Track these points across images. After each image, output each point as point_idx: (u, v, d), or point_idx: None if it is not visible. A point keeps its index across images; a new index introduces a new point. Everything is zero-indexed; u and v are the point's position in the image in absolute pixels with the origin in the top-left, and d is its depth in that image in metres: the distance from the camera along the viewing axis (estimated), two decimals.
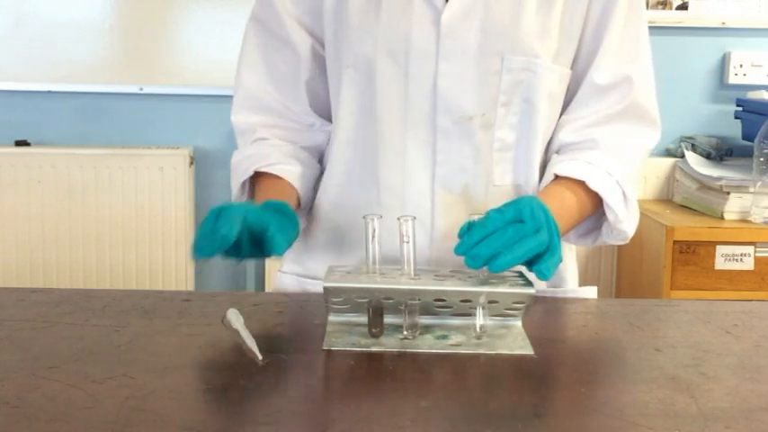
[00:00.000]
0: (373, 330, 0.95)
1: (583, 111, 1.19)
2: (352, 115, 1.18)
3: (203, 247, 0.95)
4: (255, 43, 1.26)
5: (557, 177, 1.15)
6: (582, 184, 1.13)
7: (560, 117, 1.21)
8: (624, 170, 1.16)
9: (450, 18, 1.12)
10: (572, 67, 1.19)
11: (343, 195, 1.21)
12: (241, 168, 1.22)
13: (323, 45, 1.22)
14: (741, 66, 2.71)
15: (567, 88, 1.21)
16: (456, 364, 0.89)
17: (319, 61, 1.23)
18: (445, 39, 1.13)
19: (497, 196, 1.17)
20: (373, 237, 1.00)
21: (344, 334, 0.96)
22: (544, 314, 1.09)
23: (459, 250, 0.95)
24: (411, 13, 1.13)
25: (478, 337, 0.96)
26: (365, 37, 1.15)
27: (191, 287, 2.75)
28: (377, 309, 0.95)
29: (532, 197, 1.02)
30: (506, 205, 0.98)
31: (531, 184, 1.19)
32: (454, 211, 1.15)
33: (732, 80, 2.72)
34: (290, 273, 1.27)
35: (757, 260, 2.29)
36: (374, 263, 1.00)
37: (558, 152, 1.20)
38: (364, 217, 1.01)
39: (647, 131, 1.21)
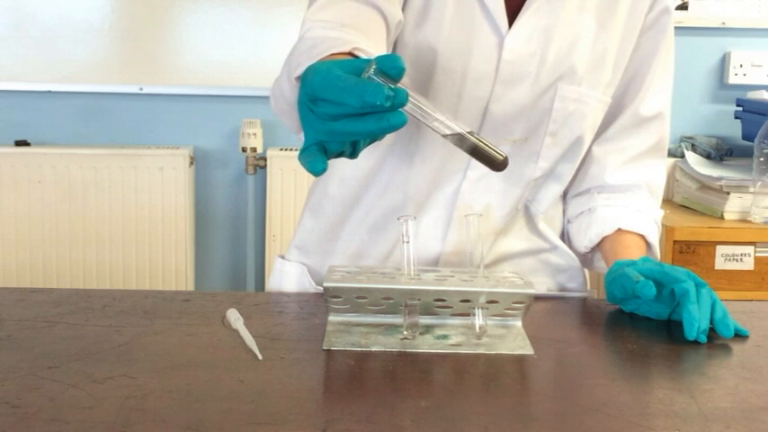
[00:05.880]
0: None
1: (623, 142, 1.23)
2: None
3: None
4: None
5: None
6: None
7: (593, 142, 1.23)
8: (659, 208, 1.25)
9: (514, 44, 1.10)
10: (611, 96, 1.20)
11: (367, 193, 1.19)
12: (316, 48, 0.90)
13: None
14: (741, 66, 2.71)
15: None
16: (456, 364, 0.89)
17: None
18: (506, 64, 1.10)
19: (511, 219, 1.18)
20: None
21: (344, 334, 0.96)
22: (544, 314, 1.09)
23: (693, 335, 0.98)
24: (473, 34, 1.10)
25: (478, 337, 0.96)
26: (424, 51, 1.10)
27: (191, 287, 2.75)
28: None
29: (652, 263, 1.06)
30: (656, 279, 1.02)
31: (538, 205, 1.21)
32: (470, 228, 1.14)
33: (732, 80, 2.72)
34: (295, 261, 1.27)
35: (757, 260, 2.29)
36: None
37: (599, 192, 1.23)
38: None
39: (664, 163, 1.29)
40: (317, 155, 0.75)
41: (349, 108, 0.71)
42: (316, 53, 0.88)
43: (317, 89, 0.72)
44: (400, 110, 0.71)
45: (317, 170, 0.75)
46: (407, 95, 0.71)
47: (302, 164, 0.76)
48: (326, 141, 0.75)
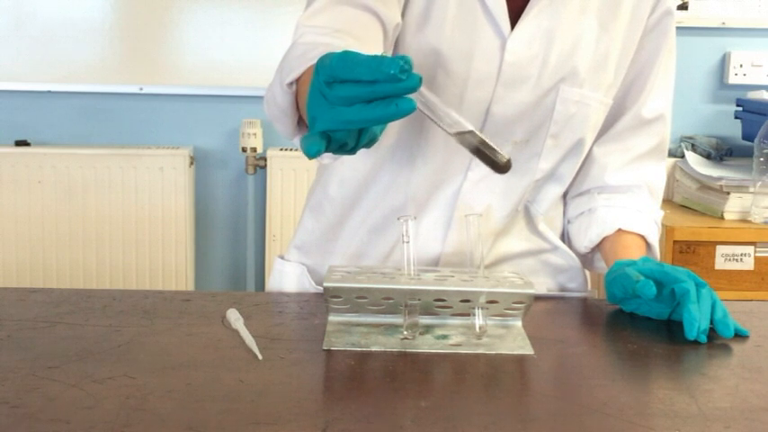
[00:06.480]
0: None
1: (624, 143, 1.22)
2: (399, 126, 1.13)
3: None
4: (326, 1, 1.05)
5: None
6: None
7: (594, 143, 1.22)
8: (659, 209, 1.25)
9: (516, 46, 1.10)
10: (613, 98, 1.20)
11: (367, 195, 1.19)
12: (308, 54, 0.90)
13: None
14: (741, 66, 2.71)
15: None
16: (456, 364, 0.89)
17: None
18: (507, 66, 1.10)
19: (511, 221, 1.18)
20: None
21: (344, 334, 0.96)
22: (544, 314, 1.09)
23: (692, 335, 0.98)
24: (475, 37, 1.09)
25: (478, 337, 0.96)
26: (426, 53, 1.10)
27: (191, 287, 2.75)
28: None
29: (654, 263, 1.06)
30: (658, 279, 1.02)
31: (539, 206, 1.21)
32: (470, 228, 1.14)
33: (732, 80, 2.72)
34: (295, 262, 1.27)
35: (757, 260, 2.29)
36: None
37: (599, 192, 1.23)
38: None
39: (665, 164, 1.28)
40: (317, 139, 0.74)
41: (365, 87, 0.70)
42: (307, 59, 0.87)
43: (335, 68, 0.71)
44: (409, 96, 0.71)
45: (311, 151, 0.74)
46: (420, 79, 0.71)
47: (300, 147, 0.75)
48: (333, 130, 0.74)
